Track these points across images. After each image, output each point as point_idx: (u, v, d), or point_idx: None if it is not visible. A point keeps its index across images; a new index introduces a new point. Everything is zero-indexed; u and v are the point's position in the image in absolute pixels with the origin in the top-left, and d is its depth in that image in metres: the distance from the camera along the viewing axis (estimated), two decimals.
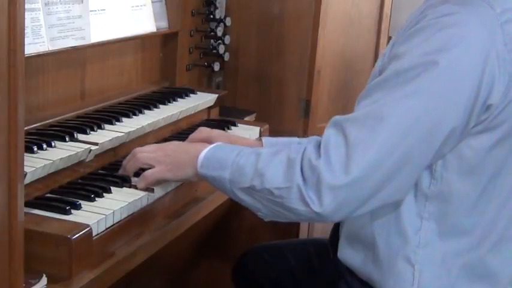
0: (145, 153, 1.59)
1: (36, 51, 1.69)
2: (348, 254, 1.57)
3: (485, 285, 1.49)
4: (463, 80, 1.32)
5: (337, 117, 1.41)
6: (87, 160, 1.64)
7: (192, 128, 2.03)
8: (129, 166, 1.62)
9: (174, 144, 1.63)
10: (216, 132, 1.80)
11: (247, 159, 1.44)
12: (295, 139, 1.82)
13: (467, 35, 1.33)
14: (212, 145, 1.52)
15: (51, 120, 1.75)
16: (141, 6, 2.13)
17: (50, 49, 1.73)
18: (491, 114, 1.36)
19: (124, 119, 1.85)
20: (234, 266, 1.96)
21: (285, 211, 1.40)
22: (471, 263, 1.47)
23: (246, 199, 1.44)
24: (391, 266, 1.48)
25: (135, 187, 1.59)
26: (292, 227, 2.49)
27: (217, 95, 2.28)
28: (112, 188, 1.56)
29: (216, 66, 2.46)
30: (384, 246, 1.48)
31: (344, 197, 1.33)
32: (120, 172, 1.64)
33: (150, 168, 1.57)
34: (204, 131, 1.79)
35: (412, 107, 1.32)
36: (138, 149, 1.63)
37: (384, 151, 1.32)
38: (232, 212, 1.53)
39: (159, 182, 1.59)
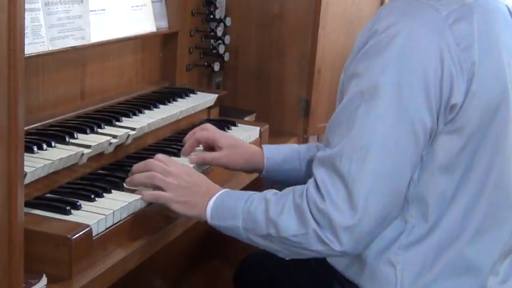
0: (159, 174, 1.55)
1: (36, 51, 1.69)
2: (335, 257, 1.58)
3: (467, 278, 1.50)
4: (424, 80, 1.36)
5: (321, 155, 1.44)
6: (87, 160, 1.64)
7: (192, 129, 2.03)
8: (139, 178, 1.58)
9: (185, 173, 1.57)
10: (220, 134, 1.82)
11: (257, 206, 1.47)
12: (295, 147, 1.85)
13: (418, 42, 1.37)
14: (219, 193, 1.53)
15: (51, 120, 1.75)
16: (141, 6, 2.13)
17: (50, 49, 1.73)
18: (456, 113, 1.39)
19: (124, 119, 1.85)
20: (236, 272, 1.96)
21: (305, 251, 1.44)
22: (452, 258, 1.48)
23: (264, 244, 1.48)
24: (374, 269, 1.50)
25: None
26: None
27: (217, 95, 2.28)
28: (112, 188, 1.56)
29: (216, 66, 2.46)
30: (368, 251, 1.49)
31: (359, 232, 1.38)
32: (128, 180, 1.60)
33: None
34: (208, 130, 1.81)
35: (389, 126, 1.37)
36: (152, 163, 1.58)
37: (379, 177, 1.37)
38: None
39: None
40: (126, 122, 1.84)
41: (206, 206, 1.52)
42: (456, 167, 1.44)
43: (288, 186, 1.52)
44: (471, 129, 1.42)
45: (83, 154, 1.60)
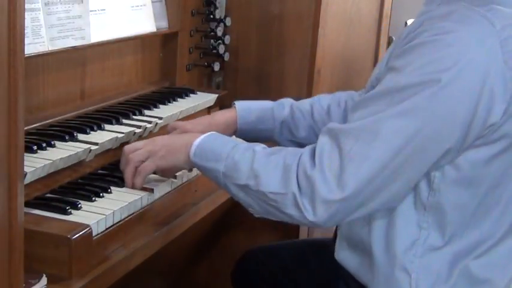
0: (135, 151, 1.58)
1: (36, 51, 1.69)
2: (345, 256, 1.57)
3: None
4: (460, 101, 1.32)
5: (332, 126, 1.41)
6: (87, 160, 1.64)
7: None
8: (127, 171, 1.59)
9: (164, 137, 1.63)
10: (191, 124, 1.80)
11: (243, 155, 1.44)
12: (269, 105, 1.82)
13: (466, 56, 1.32)
14: (207, 134, 1.52)
15: (51, 120, 1.75)
16: (141, 6, 2.13)
17: (50, 49, 1.73)
18: (491, 130, 1.36)
19: (124, 119, 1.85)
20: (233, 269, 1.96)
21: (278, 213, 1.41)
22: (468, 270, 1.47)
23: (239, 195, 1.45)
24: (387, 274, 1.48)
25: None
26: (292, 228, 2.49)
27: (217, 95, 2.28)
28: (112, 188, 1.56)
29: (216, 66, 2.46)
30: (380, 254, 1.48)
31: (337, 209, 1.35)
32: (126, 181, 1.61)
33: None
34: (179, 127, 1.78)
35: (407, 126, 1.32)
36: (128, 148, 1.61)
37: (376, 167, 1.33)
38: (232, 212, 1.53)
39: (155, 174, 1.59)
40: (126, 122, 1.84)
41: (192, 143, 1.50)
42: (481, 182, 1.42)
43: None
44: (502, 146, 1.39)
45: (90, 151, 1.61)
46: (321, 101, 1.84)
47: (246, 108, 1.81)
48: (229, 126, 1.80)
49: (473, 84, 1.32)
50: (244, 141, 1.51)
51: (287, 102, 1.84)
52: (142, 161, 1.58)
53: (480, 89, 1.32)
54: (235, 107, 1.82)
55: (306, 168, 1.36)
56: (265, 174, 1.40)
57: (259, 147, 1.46)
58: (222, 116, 1.84)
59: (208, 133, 1.52)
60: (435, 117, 1.32)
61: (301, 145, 1.52)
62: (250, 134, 1.80)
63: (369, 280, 1.51)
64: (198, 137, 1.51)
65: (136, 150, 1.59)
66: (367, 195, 1.35)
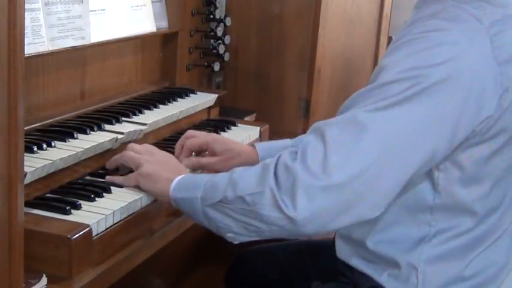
0: (133, 151, 1.61)
1: (36, 51, 1.69)
2: (347, 254, 1.57)
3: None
4: (450, 97, 1.32)
5: (317, 123, 1.39)
6: (87, 160, 1.64)
7: (192, 129, 2.03)
8: (113, 159, 1.64)
9: (164, 156, 1.62)
10: (211, 138, 1.79)
11: (222, 176, 1.42)
12: (289, 142, 1.81)
13: (456, 53, 1.32)
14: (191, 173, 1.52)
15: (51, 120, 1.75)
16: (141, 6, 2.13)
17: (50, 49, 1.73)
18: (487, 124, 1.36)
19: (124, 119, 1.85)
20: (226, 271, 1.95)
21: (257, 222, 1.35)
22: (476, 263, 1.48)
23: (216, 216, 1.40)
24: (394, 270, 1.48)
25: (136, 187, 1.59)
26: None
27: (217, 95, 2.28)
28: (112, 188, 1.56)
29: (216, 66, 2.46)
30: (385, 253, 1.48)
31: (320, 201, 1.28)
32: (107, 164, 1.66)
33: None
34: (197, 137, 1.77)
35: (394, 119, 1.30)
36: (131, 145, 1.65)
37: (365, 160, 1.28)
38: None
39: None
40: (126, 122, 1.84)
41: (173, 180, 1.48)
42: (485, 179, 1.42)
43: None
44: (501, 142, 1.40)
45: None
46: None
47: (267, 149, 1.79)
48: (246, 161, 1.75)
49: (463, 80, 1.32)
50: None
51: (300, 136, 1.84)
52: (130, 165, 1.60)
53: (470, 85, 1.32)
54: (255, 147, 1.80)
55: (286, 162, 1.32)
56: (243, 179, 1.37)
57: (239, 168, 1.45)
58: (244, 148, 1.81)
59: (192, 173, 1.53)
60: (424, 112, 1.31)
61: None
62: None
63: (375, 274, 1.51)
64: (181, 174, 1.50)
65: (135, 151, 1.61)
66: (353, 191, 1.29)
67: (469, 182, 1.42)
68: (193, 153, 1.81)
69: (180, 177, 1.49)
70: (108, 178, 1.61)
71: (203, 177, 1.46)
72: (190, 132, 1.83)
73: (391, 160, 1.31)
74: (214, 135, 1.87)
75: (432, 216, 1.45)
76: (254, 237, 1.40)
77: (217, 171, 1.73)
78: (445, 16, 1.37)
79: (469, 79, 1.32)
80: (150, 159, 1.58)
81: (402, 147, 1.31)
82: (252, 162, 1.77)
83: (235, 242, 1.43)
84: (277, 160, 1.35)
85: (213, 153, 1.77)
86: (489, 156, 1.40)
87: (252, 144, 1.83)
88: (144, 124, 1.85)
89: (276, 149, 1.79)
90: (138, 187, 1.58)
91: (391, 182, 1.32)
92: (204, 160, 1.76)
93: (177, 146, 1.80)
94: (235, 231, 1.40)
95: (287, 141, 1.82)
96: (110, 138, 1.70)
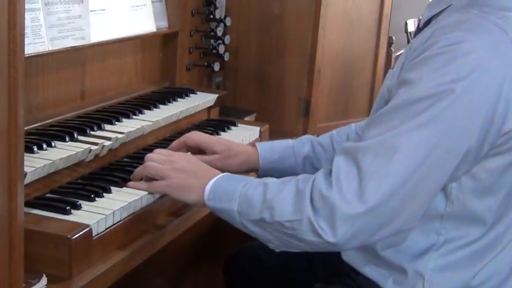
0: (155, 163, 1.55)
1: (36, 51, 1.69)
2: (354, 257, 1.57)
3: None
4: (477, 109, 1.31)
5: (347, 145, 1.39)
6: (87, 160, 1.64)
7: (192, 129, 2.04)
8: (137, 172, 1.59)
9: (183, 159, 1.58)
10: (213, 138, 1.80)
11: (255, 190, 1.42)
12: (289, 143, 1.81)
13: (480, 64, 1.31)
14: (219, 176, 1.50)
15: (51, 120, 1.75)
16: (141, 6, 2.13)
17: (50, 49, 1.73)
18: (507, 137, 1.36)
19: (124, 119, 1.85)
20: (226, 262, 1.95)
21: (297, 242, 1.38)
22: (486, 268, 1.48)
23: (256, 231, 1.43)
24: (400, 277, 1.48)
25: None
26: None
27: (217, 95, 2.28)
28: (112, 188, 1.56)
29: (216, 66, 2.46)
30: (392, 259, 1.48)
31: (359, 226, 1.31)
32: (131, 184, 1.59)
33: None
34: (202, 138, 1.77)
35: (425, 138, 1.31)
36: (150, 155, 1.59)
37: (398, 182, 1.30)
38: None
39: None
40: (126, 122, 1.84)
41: (205, 187, 1.48)
42: (498, 190, 1.42)
43: None
44: None
45: (90, 151, 1.62)
46: (339, 132, 1.85)
47: (268, 148, 1.80)
48: (247, 161, 1.77)
49: (489, 92, 1.31)
50: (256, 178, 1.51)
51: (306, 138, 1.84)
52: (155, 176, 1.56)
53: (497, 97, 1.31)
54: (256, 147, 1.81)
55: (322, 189, 1.33)
56: (279, 204, 1.38)
57: (271, 179, 1.45)
58: (245, 149, 1.81)
59: (220, 175, 1.50)
60: (453, 127, 1.31)
61: None
62: (273, 173, 1.77)
63: (381, 280, 1.51)
64: (211, 179, 1.49)
65: (156, 162, 1.56)
66: (390, 210, 1.31)
67: (482, 192, 1.42)
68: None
69: (211, 183, 1.48)
70: (131, 184, 1.57)
71: (236, 186, 1.45)
72: (192, 132, 1.82)
73: (423, 178, 1.32)
74: (213, 136, 1.87)
75: (442, 225, 1.44)
76: (294, 250, 1.43)
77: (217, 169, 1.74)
78: (469, 27, 1.35)
79: (495, 89, 1.31)
80: (176, 168, 1.54)
81: (433, 164, 1.32)
82: (252, 161, 1.78)
83: (277, 250, 1.47)
84: (312, 186, 1.35)
85: (213, 153, 1.77)
86: (504, 168, 1.40)
87: (253, 144, 1.83)
88: (146, 120, 1.85)
89: (276, 149, 1.80)
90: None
91: (424, 197, 1.35)
92: (205, 158, 1.76)
93: (176, 142, 1.80)
94: (275, 244, 1.43)
95: (288, 142, 1.83)
96: (113, 136, 1.70)
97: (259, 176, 1.81)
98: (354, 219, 1.30)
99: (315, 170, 1.77)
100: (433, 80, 1.31)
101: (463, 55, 1.31)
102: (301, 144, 1.82)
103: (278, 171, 1.79)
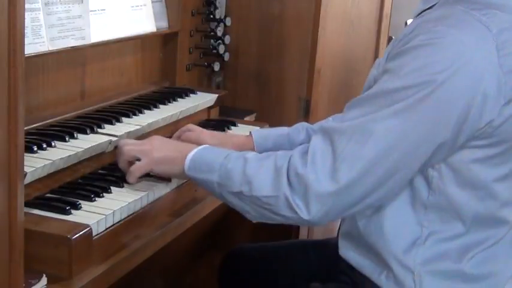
0: (130, 145, 1.61)
1: (36, 51, 1.69)
2: (349, 252, 1.58)
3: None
4: (453, 102, 1.33)
5: (324, 125, 1.43)
6: (87, 160, 1.64)
7: None
8: (120, 162, 1.63)
9: (161, 139, 1.65)
10: (207, 134, 1.83)
11: (235, 163, 1.46)
12: (285, 131, 1.84)
13: (460, 58, 1.32)
14: (200, 147, 1.54)
15: (51, 120, 1.75)
16: (141, 6, 2.13)
17: (50, 49, 1.73)
18: (485, 130, 1.37)
19: (124, 119, 1.85)
20: (219, 265, 1.95)
21: (273, 215, 1.43)
22: (472, 264, 1.48)
23: (234, 201, 1.47)
24: (391, 271, 1.49)
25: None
26: (293, 228, 2.49)
27: (217, 95, 2.28)
28: (112, 188, 1.57)
29: (216, 66, 2.46)
30: (382, 253, 1.49)
31: (331, 204, 1.37)
32: (128, 178, 1.62)
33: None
34: (194, 131, 1.81)
35: (398, 125, 1.34)
36: (123, 141, 1.65)
37: (369, 164, 1.35)
38: (233, 212, 1.53)
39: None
40: (126, 122, 1.84)
41: (185, 158, 1.52)
42: (479, 182, 1.43)
43: None
44: (499, 149, 1.40)
45: (80, 152, 1.60)
46: (335, 119, 1.85)
47: (263, 136, 1.84)
48: (243, 150, 1.77)
49: (466, 87, 1.33)
50: (237, 151, 1.53)
51: (302, 126, 1.87)
52: (137, 158, 1.59)
53: (473, 92, 1.33)
54: (251, 135, 1.83)
55: (297, 167, 1.38)
56: (257, 179, 1.42)
57: (251, 154, 1.48)
58: (239, 138, 1.86)
59: (202, 146, 1.54)
60: (428, 118, 1.34)
61: None
62: None
63: (374, 275, 1.52)
64: (192, 149, 1.53)
65: (132, 145, 1.62)
66: (361, 190, 1.36)
67: (464, 185, 1.43)
68: None
69: (192, 153, 1.52)
70: (129, 177, 1.60)
71: (215, 158, 1.49)
72: (188, 126, 1.87)
73: (394, 162, 1.36)
74: (208, 131, 1.89)
75: (425, 216, 1.45)
76: (269, 222, 1.47)
77: None
78: (452, 23, 1.37)
79: (473, 84, 1.32)
80: (155, 146, 1.59)
81: (404, 151, 1.35)
82: (247, 150, 1.78)
83: (254, 221, 1.50)
84: (289, 164, 1.40)
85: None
86: (483, 162, 1.41)
87: (249, 134, 1.86)
88: (146, 120, 1.86)
89: (272, 137, 1.83)
90: (139, 185, 1.59)
91: (397, 180, 1.39)
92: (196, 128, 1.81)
93: (174, 136, 1.84)
94: (252, 215, 1.47)
95: (283, 129, 1.85)
96: (110, 138, 1.70)
97: None
98: (326, 198, 1.36)
99: None
100: (412, 71, 1.34)
101: (444, 48, 1.33)
102: (297, 132, 1.84)
103: None
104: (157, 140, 1.64)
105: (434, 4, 1.48)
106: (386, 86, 1.37)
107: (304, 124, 1.88)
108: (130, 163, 1.60)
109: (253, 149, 1.80)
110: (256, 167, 1.43)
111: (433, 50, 1.34)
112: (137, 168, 1.59)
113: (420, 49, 1.35)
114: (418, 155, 1.37)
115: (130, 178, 1.59)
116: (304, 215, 1.37)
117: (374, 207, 1.46)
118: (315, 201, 1.36)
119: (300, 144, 1.78)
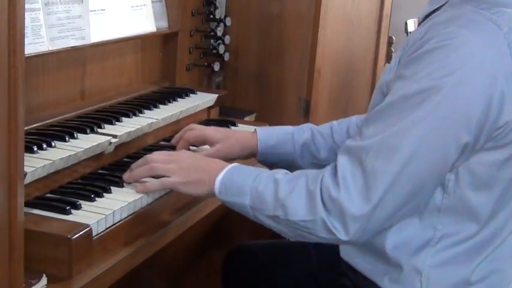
0: (159, 163, 1.56)
1: (36, 51, 1.69)
2: (352, 254, 1.57)
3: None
4: (472, 103, 1.33)
5: (350, 144, 1.42)
6: (87, 160, 1.64)
7: None
8: (139, 172, 1.58)
9: (188, 157, 1.59)
10: (209, 130, 1.82)
11: (266, 186, 1.45)
12: (289, 130, 1.83)
13: (473, 57, 1.32)
14: (228, 167, 1.51)
15: (51, 120, 1.75)
16: (141, 6, 2.13)
17: (50, 49, 1.73)
18: (503, 131, 1.37)
19: (124, 119, 1.85)
20: (222, 263, 1.95)
21: (310, 236, 1.43)
22: (483, 265, 1.48)
23: (270, 224, 1.47)
24: (397, 273, 1.48)
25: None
26: None
27: (217, 95, 2.28)
28: (112, 188, 1.56)
29: (216, 66, 2.46)
30: (390, 255, 1.48)
31: (368, 223, 1.37)
32: (127, 176, 1.60)
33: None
34: (196, 129, 1.81)
35: (423, 134, 1.34)
36: (151, 157, 1.59)
37: (400, 178, 1.35)
38: (233, 211, 1.53)
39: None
40: (126, 122, 1.84)
41: (215, 180, 1.50)
42: (495, 184, 1.43)
43: (282, 168, 1.52)
44: None
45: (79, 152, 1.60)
46: (340, 124, 1.87)
47: (267, 133, 1.83)
48: (246, 146, 1.80)
49: (483, 85, 1.32)
50: (265, 169, 1.53)
51: (307, 126, 1.87)
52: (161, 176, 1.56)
53: (491, 90, 1.33)
54: (256, 132, 1.83)
55: (330, 191, 1.38)
56: (291, 203, 1.41)
57: (280, 174, 1.47)
58: (243, 134, 1.85)
59: (230, 166, 1.52)
60: (449, 121, 1.34)
61: (322, 166, 1.53)
62: (271, 158, 1.81)
63: (377, 278, 1.52)
64: (220, 170, 1.51)
65: (160, 163, 1.56)
66: (394, 204, 1.37)
67: (479, 186, 1.43)
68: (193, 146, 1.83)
69: (221, 176, 1.50)
70: (140, 189, 1.56)
71: (246, 180, 1.47)
72: (190, 125, 1.86)
73: (424, 172, 1.37)
74: (211, 127, 1.88)
75: (438, 219, 1.45)
76: (308, 241, 1.47)
77: (219, 159, 1.72)
78: (463, 23, 1.36)
79: (490, 83, 1.33)
80: (182, 166, 1.55)
81: (434, 157, 1.36)
82: (251, 146, 1.80)
83: (291, 240, 1.52)
84: (321, 187, 1.40)
85: (213, 143, 1.79)
86: (501, 163, 1.41)
87: (254, 131, 1.85)
88: (146, 120, 1.86)
89: (276, 135, 1.82)
90: None
91: (428, 189, 1.40)
92: (209, 153, 1.78)
93: (176, 136, 1.84)
94: (290, 236, 1.48)
95: (288, 128, 1.85)
96: (110, 138, 1.70)
97: (258, 160, 1.83)
98: (363, 218, 1.36)
99: (312, 157, 1.81)
100: (427, 75, 1.34)
101: (456, 49, 1.33)
102: (301, 132, 1.84)
103: (275, 156, 1.82)
104: (186, 159, 1.57)
105: (442, 5, 1.47)
106: (403, 93, 1.36)
107: (309, 125, 1.88)
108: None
109: (256, 146, 1.80)
110: (288, 190, 1.42)
111: (446, 52, 1.33)
112: (166, 183, 1.55)
113: (433, 53, 1.34)
114: (446, 159, 1.37)
115: (156, 186, 1.56)
116: (342, 236, 1.38)
117: (410, 216, 1.45)
118: (353, 222, 1.36)
119: (304, 144, 1.81)
